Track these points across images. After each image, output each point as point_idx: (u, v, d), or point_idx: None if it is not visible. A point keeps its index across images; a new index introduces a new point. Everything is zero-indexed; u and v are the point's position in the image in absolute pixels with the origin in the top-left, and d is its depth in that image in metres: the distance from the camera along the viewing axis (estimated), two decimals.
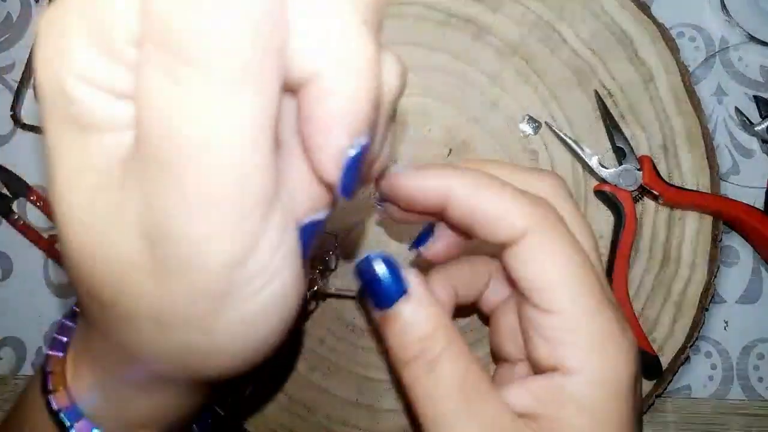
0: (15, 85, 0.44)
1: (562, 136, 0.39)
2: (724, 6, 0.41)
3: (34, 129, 0.44)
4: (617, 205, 0.37)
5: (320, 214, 0.18)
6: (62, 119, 0.15)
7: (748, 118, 0.40)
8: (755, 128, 0.40)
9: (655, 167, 0.38)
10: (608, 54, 0.39)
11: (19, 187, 0.43)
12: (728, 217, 0.38)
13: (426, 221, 0.27)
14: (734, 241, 0.40)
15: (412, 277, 0.23)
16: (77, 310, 0.24)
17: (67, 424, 0.22)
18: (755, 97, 0.41)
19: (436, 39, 0.40)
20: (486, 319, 0.29)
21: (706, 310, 0.37)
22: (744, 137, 0.41)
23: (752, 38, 0.41)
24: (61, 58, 0.15)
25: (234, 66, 0.13)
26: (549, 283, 0.23)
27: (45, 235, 0.42)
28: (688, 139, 0.38)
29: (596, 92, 0.39)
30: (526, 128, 0.40)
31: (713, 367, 0.38)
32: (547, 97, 0.40)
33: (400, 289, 0.23)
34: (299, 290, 0.18)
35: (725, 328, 0.39)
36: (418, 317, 0.23)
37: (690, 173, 0.38)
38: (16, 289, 0.43)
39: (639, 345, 0.35)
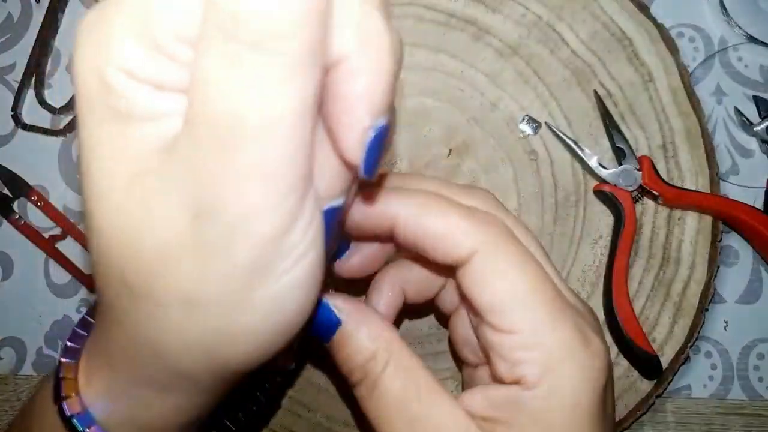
0: (16, 86, 0.44)
1: (562, 136, 0.39)
2: (723, 6, 0.41)
3: (35, 129, 0.44)
4: (617, 205, 0.37)
5: (339, 201, 0.19)
6: (101, 110, 0.16)
7: (747, 118, 0.40)
8: (755, 128, 0.40)
9: (654, 167, 0.38)
10: (608, 54, 0.39)
11: (20, 187, 0.43)
12: (728, 217, 0.38)
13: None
14: (734, 241, 0.40)
15: (341, 305, 0.23)
16: (89, 319, 0.24)
17: (80, 429, 0.21)
18: (755, 97, 0.41)
19: (436, 39, 0.40)
20: (444, 319, 0.29)
21: (706, 310, 0.37)
22: (743, 137, 0.41)
23: (751, 38, 0.41)
24: (105, 53, 0.16)
25: (294, 51, 0.15)
26: (502, 303, 0.22)
27: (45, 235, 0.42)
28: (688, 140, 0.38)
29: (596, 92, 0.39)
30: (526, 128, 0.40)
31: (713, 367, 0.38)
32: (546, 97, 0.40)
33: (333, 322, 0.23)
34: (321, 275, 0.19)
35: (725, 328, 0.39)
36: (358, 344, 0.23)
37: (689, 173, 0.38)
38: (16, 289, 0.43)
39: (638, 345, 0.35)
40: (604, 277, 0.38)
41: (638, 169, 0.38)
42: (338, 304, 0.24)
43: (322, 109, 0.17)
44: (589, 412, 0.22)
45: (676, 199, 0.37)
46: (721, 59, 0.41)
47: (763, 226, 0.37)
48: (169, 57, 0.16)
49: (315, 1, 0.15)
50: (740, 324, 0.39)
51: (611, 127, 0.38)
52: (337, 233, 0.23)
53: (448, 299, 0.28)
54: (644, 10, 0.39)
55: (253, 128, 0.15)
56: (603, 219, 0.39)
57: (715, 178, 0.38)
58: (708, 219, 0.38)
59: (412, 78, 0.40)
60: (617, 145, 0.38)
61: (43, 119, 0.44)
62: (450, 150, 0.40)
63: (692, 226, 0.38)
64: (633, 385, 0.37)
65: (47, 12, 0.45)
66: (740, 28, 0.41)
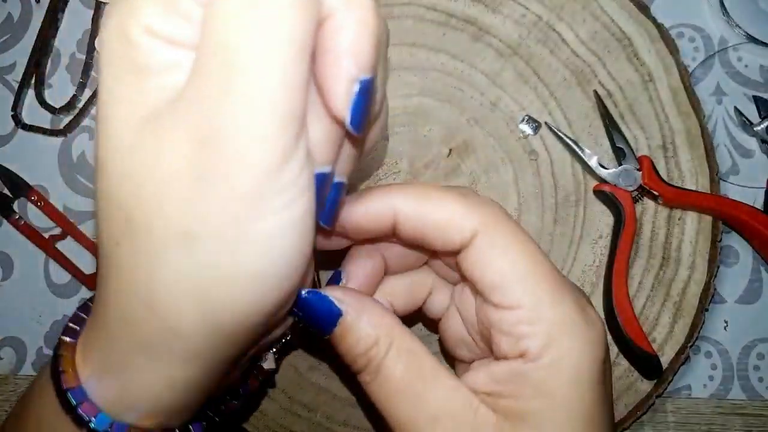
0: (16, 85, 0.44)
1: (562, 136, 0.39)
2: (723, 6, 0.41)
3: (35, 129, 0.44)
4: (617, 205, 0.37)
5: (327, 168, 0.21)
6: (122, 63, 0.19)
7: (747, 118, 0.40)
8: (755, 128, 0.40)
9: (654, 167, 0.38)
10: (608, 54, 0.39)
11: (20, 187, 0.43)
12: (728, 217, 0.38)
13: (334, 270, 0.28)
14: (734, 241, 0.40)
15: (341, 296, 0.24)
16: (91, 304, 0.25)
17: (74, 403, 0.22)
18: (754, 97, 0.41)
19: (436, 39, 0.40)
20: (431, 324, 0.29)
21: (706, 310, 0.37)
22: (743, 137, 0.41)
23: (751, 38, 0.41)
24: (131, 14, 0.18)
25: None
26: (504, 279, 0.23)
27: (45, 235, 0.42)
28: (688, 140, 0.38)
29: (596, 92, 0.39)
30: (526, 128, 0.40)
31: (713, 367, 0.38)
32: (546, 97, 0.40)
33: (335, 313, 0.24)
34: (312, 231, 0.20)
35: (725, 328, 0.39)
36: (359, 332, 0.24)
37: (689, 173, 0.38)
38: (16, 289, 0.43)
39: (638, 345, 0.35)
40: (604, 277, 0.38)
41: (638, 169, 0.38)
42: (338, 296, 0.24)
43: (313, 67, 0.19)
44: (590, 381, 0.23)
45: (676, 199, 0.37)
46: (721, 59, 0.41)
47: (763, 226, 0.37)
48: (184, 16, 0.18)
49: None
50: (740, 324, 0.39)
51: (611, 127, 0.38)
52: (332, 213, 0.24)
53: (436, 305, 0.29)
54: (644, 10, 0.39)
55: (256, 56, 0.17)
56: (603, 219, 0.39)
57: (715, 178, 0.38)
58: (708, 219, 0.38)
59: (412, 78, 0.40)
60: (617, 145, 0.38)
61: (43, 119, 0.44)
62: (450, 150, 0.40)
63: (692, 226, 0.38)
64: (633, 385, 0.37)
65: (47, 12, 0.45)
66: (740, 28, 0.41)
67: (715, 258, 0.37)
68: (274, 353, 0.30)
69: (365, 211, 0.25)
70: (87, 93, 0.44)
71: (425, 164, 0.40)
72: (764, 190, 0.39)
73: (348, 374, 0.25)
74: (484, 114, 0.40)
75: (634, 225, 0.37)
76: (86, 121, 0.44)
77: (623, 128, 0.39)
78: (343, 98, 0.19)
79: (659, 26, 0.39)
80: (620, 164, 0.38)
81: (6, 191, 0.43)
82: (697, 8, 0.42)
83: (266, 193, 0.18)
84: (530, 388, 0.23)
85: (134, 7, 0.19)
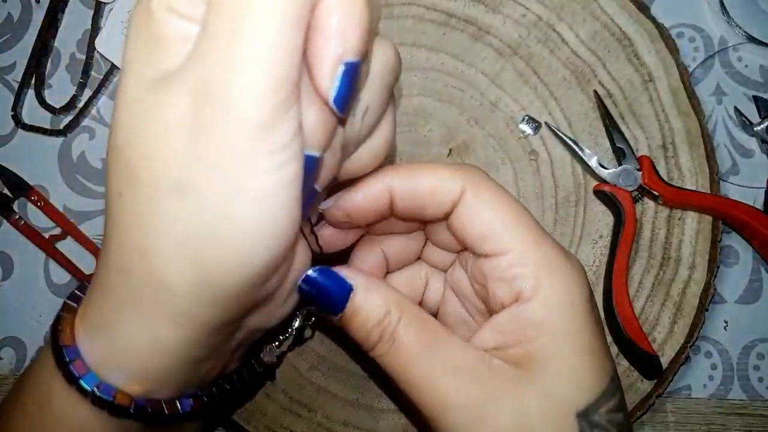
0: (16, 86, 0.44)
1: (562, 136, 0.39)
2: (723, 6, 0.41)
3: (35, 129, 0.44)
4: (617, 205, 0.37)
5: (316, 152, 0.22)
6: (143, 34, 0.21)
7: (747, 118, 0.40)
8: (755, 128, 0.40)
9: (654, 167, 0.38)
10: (608, 54, 0.39)
11: (20, 187, 0.43)
12: (728, 217, 0.38)
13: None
14: (734, 241, 0.40)
15: (350, 274, 0.26)
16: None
17: (67, 359, 0.23)
18: (754, 97, 0.41)
19: (436, 39, 0.40)
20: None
21: (706, 310, 0.37)
22: (743, 137, 0.41)
23: (751, 38, 0.41)
24: None
25: None
26: (492, 227, 0.25)
27: (45, 235, 0.42)
28: (688, 140, 0.38)
29: (596, 92, 0.39)
30: (526, 128, 0.40)
31: (713, 367, 0.38)
32: (546, 97, 0.40)
33: (345, 289, 0.25)
34: (298, 200, 0.21)
35: (725, 328, 0.39)
36: (371, 305, 0.25)
37: (689, 173, 0.38)
38: (16, 289, 0.43)
39: (638, 345, 0.35)
40: (604, 277, 0.38)
41: (638, 169, 0.38)
42: (347, 273, 0.26)
43: (306, 47, 0.20)
44: (583, 310, 0.25)
45: (676, 199, 0.37)
46: (721, 59, 0.41)
47: (763, 226, 0.37)
48: None
49: None
50: (740, 324, 0.39)
51: (611, 127, 0.38)
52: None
53: (433, 294, 0.31)
54: (644, 10, 0.39)
55: (254, 20, 0.18)
56: (603, 219, 0.39)
57: (715, 178, 0.38)
58: (708, 219, 0.38)
59: (412, 78, 0.40)
60: (617, 145, 0.38)
61: (43, 119, 0.44)
62: (450, 150, 0.40)
63: (692, 226, 0.38)
64: (633, 385, 0.37)
65: (47, 12, 0.45)
66: (740, 28, 0.41)
67: (715, 258, 0.37)
68: (276, 347, 0.30)
69: (364, 194, 0.26)
70: (87, 93, 0.44)
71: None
72: (764, 190, 0.39)
73: (355, 347, 0.26)
74: (484, 114, 0.40)
75: (634, 225, 0.37)
76: (86, 121, 0.44)
77: (623, 128, 0.39)
78: (328, 77, 0.20)
79: (659, 26, 0.39)
80: (620, 164, 0.38)
81: (6, 191, 0.43)
82: (697, 8, 0.42)
83: (257, 150, 0.19)
84: (532, 328, 0.24)
85: None
